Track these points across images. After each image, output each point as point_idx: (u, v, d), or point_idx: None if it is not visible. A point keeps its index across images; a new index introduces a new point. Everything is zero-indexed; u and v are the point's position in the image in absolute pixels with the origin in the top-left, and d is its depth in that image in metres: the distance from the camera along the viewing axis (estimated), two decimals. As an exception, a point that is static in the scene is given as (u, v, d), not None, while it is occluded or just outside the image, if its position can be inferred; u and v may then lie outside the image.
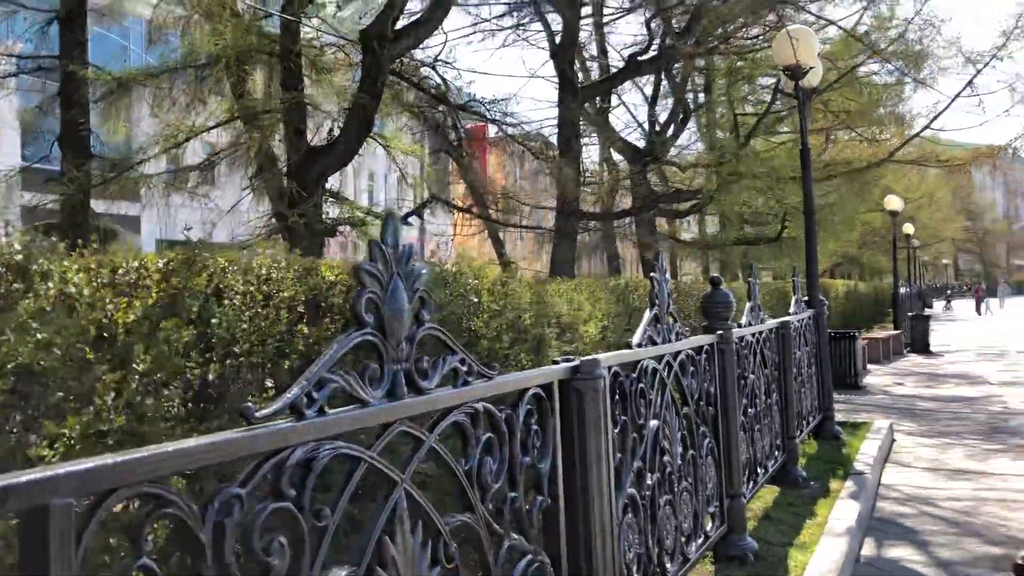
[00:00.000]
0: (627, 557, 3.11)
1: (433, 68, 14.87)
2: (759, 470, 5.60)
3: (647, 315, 3.61)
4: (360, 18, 12.15)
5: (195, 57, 10.71)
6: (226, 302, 2.72)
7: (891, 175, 26.25)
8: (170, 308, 2.71)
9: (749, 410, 5.39)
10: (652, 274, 3.75)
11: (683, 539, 3.81)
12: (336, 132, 9.30)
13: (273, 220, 10.16)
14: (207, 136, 12.59)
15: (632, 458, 3.23)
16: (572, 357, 2.82)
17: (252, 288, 2.96)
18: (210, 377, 2.83)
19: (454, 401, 2.11)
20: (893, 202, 26.08)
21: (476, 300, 4.21)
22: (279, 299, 2.87)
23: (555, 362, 2.79)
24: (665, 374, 3.70)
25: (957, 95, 14.87)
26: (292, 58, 9.43)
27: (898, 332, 21.96)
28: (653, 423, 3.49)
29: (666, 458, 3.64)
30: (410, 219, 11.74)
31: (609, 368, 3.00)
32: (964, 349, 21.28)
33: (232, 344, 2.86)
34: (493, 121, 13.34)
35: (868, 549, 5.34)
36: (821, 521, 5.47)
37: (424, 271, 1.99)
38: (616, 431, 3.07)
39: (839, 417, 9.14)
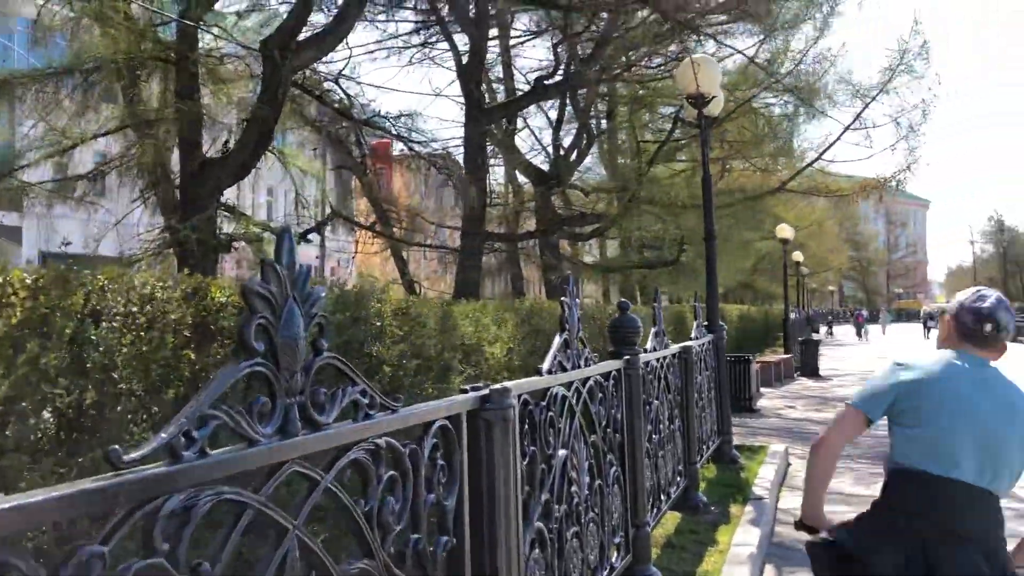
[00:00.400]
0: (534, 595, 2.97)
1: (336, 83, 14.59)
2: (662, 497, 5.56)
3: (557, 340, 3.50)
4: (262, 28, 11.79)
5: (84, 61, 10.17)
6: (104, 324, 2.46)
7: (782, 205, 27.26)
8: (39, 329, 2.44)
9: (654, 436, 5.35)
10: (563, 298, 3.65)
11: (589, 572, 3.69)
12: (233, 144, 8.94)
13: (166, 235, 9.69)
14: (100, 146, 11.98)
15: (540, 490, 3.09)
16: (480, 385, 2.68)
17: (134, 309, 2.71)
18: (85, 405, 2.57)
19: (354, 437, 1.93)
20: (784, 230, 27.03)
21: (379, 324, 4.03)
22: (164, 322, 2.63)
23: (464, 391, 2.64)
24: (574, 401, 3.59)
25: (847, 128, 15.52)
26: (189, 66, 9.03)
27: (788, 356, 22.68)
28: (562, 453, 3.37)
29: (574, 488, 3.52)
30: (309, 236, 11.39)
31: (519, 396, 2.87)
32: (851, 373, 22.13)
33: (111, 370, 2.61)
34: (398, 137, 13.15)
35: (769, 573, 5.36)
36: (723, 548, 5.46)
37: (323, 294, 1.82)
38: (525, 463, 2.94)
39: (736, 441, 9.28)
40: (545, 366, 3.32)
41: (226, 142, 9.60)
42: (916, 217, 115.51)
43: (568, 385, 3.53)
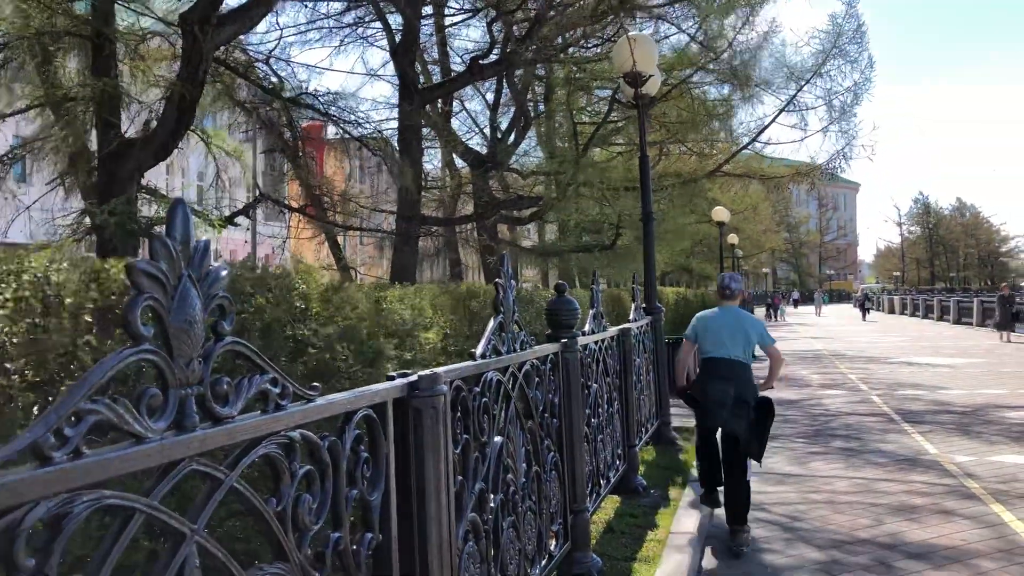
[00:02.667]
0: (468, 589, 2.83)
1: (267, 64, 14.15)
2: (602, 481, 5.48)
3: (491, 323, 3.35)
4: (181, 2, 11.31)
5: (-5, 37, 9.62)
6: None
7: (718, 188, 27.50)
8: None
9: (592, 420, 5.26)
10: (497, 280, 3.50)
11: (527, 563, 3.57)
12: (154, 124, 8.54)
13: (85, 219, 9.24)
14: (15, 128, 11.39)
15: (474, 480, 2.95)
16: (409, 372, 2.52)
17: (27, 293, 2.46)
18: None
19: (263, 430, 1.75)
20: (720, 213, 27.36)
21: (304, 307, 3.82)
22: (60, 306, 2.40)
23: (390, 377, 2.48)
24: (510, 386, 3.45)
25: (781, 109, 15.67)
26: (105, 43, 8.60)
27: (725, 337, 22.92)
28: (497, 440, 3.23)
29: (510, 476, 3.39)
30: (237, 220, 11.00)
31: (451, 382, 2.71)
32: (785, 352, 22.53)
33: (2, 360, 2.37)
34: (328, 116, 12.79)
35: (708, 560, 5.33)
36: (663, 533, 5.41)
37: (224, 273, 1.63)
38: (457, 451, 2.79)
39: (675, 423, 9.28)
40: (479, 350, 3.17)
41: (147, 122, 9.20)
42: (847, 200, 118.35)
43: (503, 370, 3.39)
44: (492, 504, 3.13)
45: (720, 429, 5.75)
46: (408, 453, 2.42)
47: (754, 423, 5.54)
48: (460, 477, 2.82)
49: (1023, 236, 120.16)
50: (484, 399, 3.09)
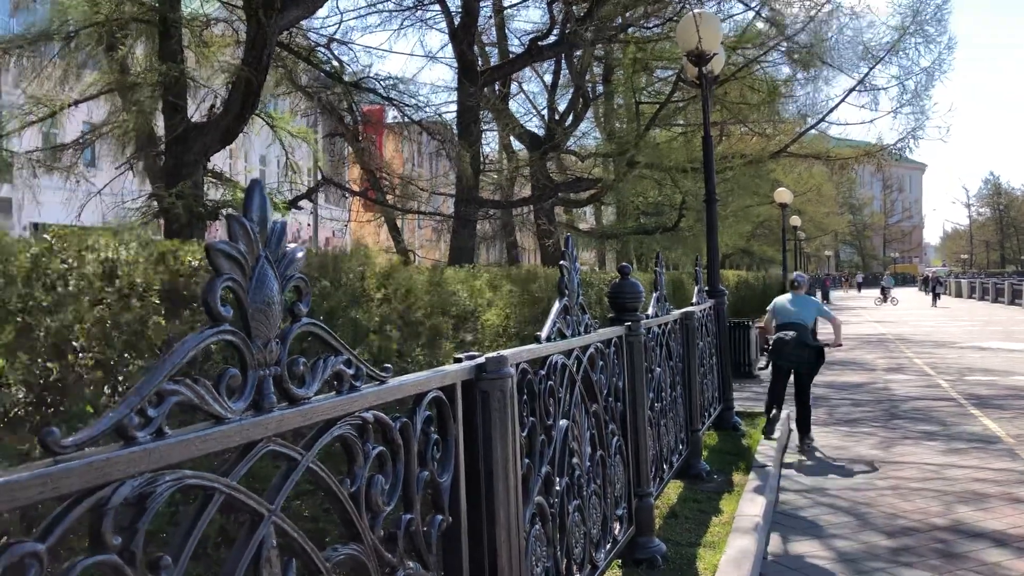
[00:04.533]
0: (535, 572, 2.82)
1: (328, 48, 14.27)
2: (665, 466, 5.43)
3: (556, 306, 3.32)
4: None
5: (65, 25, 9.86)
6: (59, 288, 2.26)
7: (781, 169, 26.97)
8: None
9: (656, 404, 5.20)
10: (561, 262, 3.46)
11: (592, 546, 3.55)
12: (219, 109, 8.68)
13: (153, 202, 9.45)
14: (86, 115, 11.69)
15: (541, 463, 2.93)
16: (476, 354, 2.50)
17: (92, 270, 2.50)
18: (50, 379, 2.39)
19: (338, 411, 1.75)
20: (784, 195, 26.83)
21: (364, 289, 3.84)
22: (127, 286, 2.44)
23: (457, 360, 2.46)
24: (574, 369, 3.42)
25: (851, 89, 15.22)
26: (171, 28, 8.76)
27: (787, 321, 22.54)
28: (562, 423, 3.21)
29: (575, 460, 3.37)
30: (300, 203, 11.15)
31: (517, 365, 2.69)
32: (848, 336, 22.03)
33: (67, 338, 2.41)
34: (389, 100, 12.85)
35: (774, 545, 5.24)
36: (727, 518, 5.33)
37: (300, 254, 1.63)
38: (524, 434, 2.77)
39: (737, 407, 9.16)
40: (544, 333, 3.14)
41: (212, 106, 9.34)
42: (912, 181, 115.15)
43: (568, 353, 3.36)
44: (558, 487, 3.11)
45: (789, 365, 8.27)
46: (476, 435, 2.41)
47: (812, 360, 8.24)
48: (527, 460, 2.80)
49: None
50: (550, 382, 3.06)
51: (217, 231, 10.44)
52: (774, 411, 8.27)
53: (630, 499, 4.28)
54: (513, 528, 2.51)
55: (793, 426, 9.24)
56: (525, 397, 2.83)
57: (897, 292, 54.20)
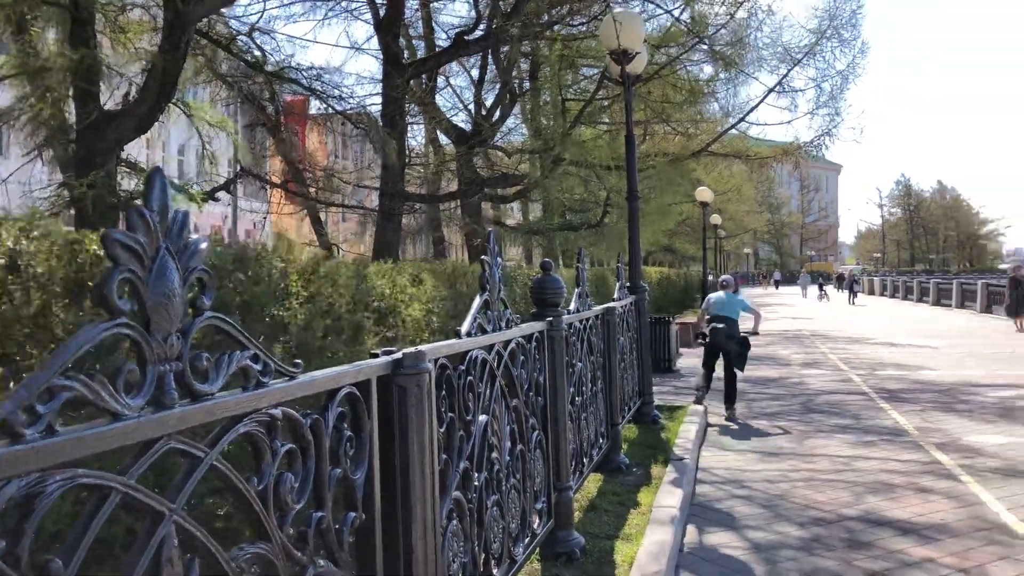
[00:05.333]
0: (451, 568, 2.81)
1: (250, 37, 13.95)
2: (585, 460, 5.48)
3: (477, 301, 3.31)
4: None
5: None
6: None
7: (702, 168, 27.53)
8: None
9: (577, 398, 5.24)
10: (483, 257, 3.45)
11: (510, 541, 3.56)
12: (134, 97, 8.39)
13: (64, 192, 9.08)
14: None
15: (459, 458, 2.92)
16: (393, 349, 2.48)
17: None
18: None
19: (244, 408, 1.71)
20: (705, 193, 27.38)
21: (284, 284, 3.76)
22: (28, 276, 2.33)
23: (374, 355, 2.44)
24: (495, 364, 3.42)
25: (771, 90, 15.59)
26: (83, 13, 8.42)
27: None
28: (482, 418, 3.20)
29: (494, 455, 3.37)
30: (218, 195, 10.87)
31: (435, 360, 2.68)
32: (766, 332, 22.62)
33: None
34: (311, 90, 12.63)
35: (690, 536, 5.35)
36: (645, 510, 5.42)
37: (203, 245, 1.58)
38: (442, 430, 2.75)
39: (656, 401, 9.31)
40: (464, 328, 3.13)
41: (127, 94, 9.04)
42: (828, 181, 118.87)
43: (488, 348, 3.36)
44: (477, 483, 3.11)
45: (718, 349, 10.06)
46: (392, 431, 2.39)
47: (738, 349, 9.95)
48: (444, 455, 2.79)
49: (1002, 219, 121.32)
50: (469, 377, 3.06)
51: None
52: (703, 385, 10.36)
53: (549, 493, 4.31)
54: (429, 524, 2.49)
55: (710, 418, 9.46)
56: (444, 392, 2.81)
57: (812, 290, 55.92)
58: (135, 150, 10.78)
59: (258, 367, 1.76)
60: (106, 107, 8.40)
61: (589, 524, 5.04)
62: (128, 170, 9.37)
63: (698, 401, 10.02)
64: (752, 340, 10.31)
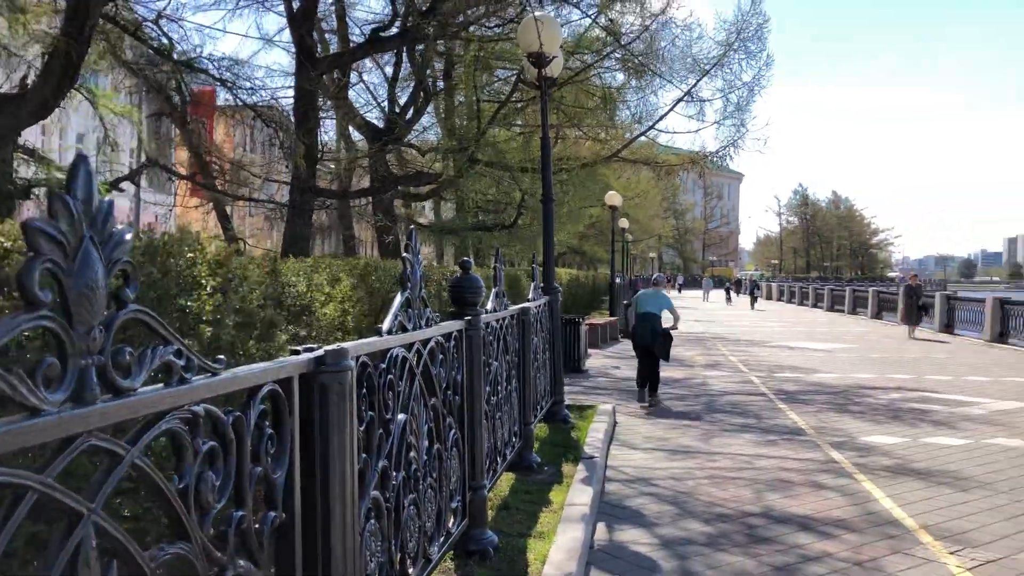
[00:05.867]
0: (369, 568, 2.79)
1: (156, 24, 13.50)
2: (499, 459, 5.51)
3: (398, 299, 3.30)
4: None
5: None
6: None
7: (612, 173, 27.99)
8: None
9: (492, 398, 5.27)
10: (404, 255, 3.44)
11: (426, 540, 3.55)
12: (33, 80, 8.02)
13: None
14: None
15: (378, 457, 2.90)
16: (315, 346, 2.45)
17: None
18: None
19: (166, 404, 1.66)
20: (614, 198, 27.84)
21: (194, 277, 3.66)
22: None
23: (295, 352, 2.40)
24: (415, 363, 3.41)
25: (680, 99, 15.97)
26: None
27: (614, 318, 23.49)
28: (401, 417, 3.19)
29: (412, 454, 3.36)
30: (122, 185, 10.47)
31: (357, 358, 2.65)
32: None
33: None
34: (220, 80, 12.31)
35: (601, 534, 5.44)
36: (557, 508, 5.49)
37: (128, 236, 1.53)
38: (362, 429, 2.73)
39: (567, 401, 9.43)
40: (385, 326, 3.11)
41: (24, 77, 8.64)
42: (731, 189, 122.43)
43: (409, 346, 3.35)
44: (395, 482, 3.10)
45: (646, 346, 10.94)
46: (313, 430, 2.35)
47: (661, 341, 10.91)
48: (364, 455, 2.77)
49: (891, 229, 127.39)
50: (390, 375, 3.04)
51: (28, 211, 9.63)
52: (645, 386, 11.01)
53: (465, 492, 4.32)
54: (348, 524, 2.47)
55: (619, 417, 9.64)
56: (365, 391, 2.79)
57: (713, 294, 57.53)
58: (31, 137, 10.30)
59: (181, 363, 1.72)
60: (2, 90, 8.02)
61: (502, 522, 5.08)
62: (26, 157, 8.94)
63: (640, 396, 10.92)
64: (659, 341, 10.95)
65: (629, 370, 14.78)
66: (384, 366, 2.99)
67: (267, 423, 2.10)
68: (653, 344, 10.77)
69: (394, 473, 3.10)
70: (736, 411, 10.47)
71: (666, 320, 11.12)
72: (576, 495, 5.77)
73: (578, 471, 6.52)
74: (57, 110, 8.34)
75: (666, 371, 14.27)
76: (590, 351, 17.17)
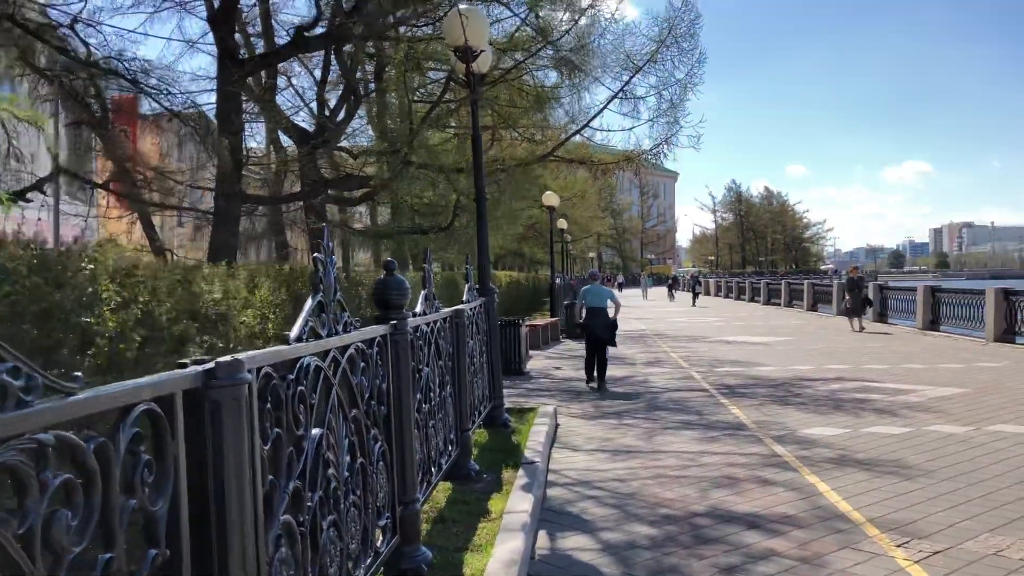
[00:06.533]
0: (282, 600, 2.52)
1: (72, 29, 12.92)
2: (433, 469, 5.26)
3: (309, 303, 3.03)
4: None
5: None
6: None
7: (549, 174, 27.92)
8: None
9: (424, 406, 5.02)
10: (315, 255, 3.17)
11: (350, 563, 3.29)
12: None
13: None
14: None
15: (288, 478, 2.63)
16: (206, 358, 2.18)
17: None
18: None
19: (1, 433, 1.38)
20: (551, 198, 27.79)
21: (95, 290, 3.35)
22: None
23: (182, 365, 2.13)
24: (331, 372, 3.15)
25: (614, 95, 15.87)
26: None
27: (555, 319, 23.39)
28: (315, 432, 2.92)
29: (331, 471, 3.09)
30: (30, 196, 9.91)
31: (258, 370, 2.39)
32: (612, 334, 23.14)
33: None
34: (136, 84, 11.80)
35: (543, 542, 5.23)
36: (496, 517, 5.26)
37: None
38: (267, 448, 2.46)
39: (507, 404, 9.22)
40: (294, 333, 2.84)
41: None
42: (666, 188, 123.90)
43: (323, 354, 3.08)
44: (310, 503, 2.83)
45: (597, 337, 12.26)
46: (204, 452, 2.08)
47: (610, 332, 12.32)
48: (271, 476, 2.50)
49: (823, 222, 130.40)
50: (300, 387, 2.77)
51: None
52: (593, 377, 12.49)
53: (394, 507, 4.06)
54: (251, 555, 2.20)
55: (560, 419, 9.47)
56: (269, 405, 2.52)
57: (652, 291, 58.04)
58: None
59: (19, 383, 1.44)
60: None
61: (438, 536, 4.83)
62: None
63: (590, 382, 12.49)
64: None
65: (571, 370, 14.67)
66: (293, 377, 2.73)
67: (144, 448, 1.83)
68: (604, 332, 12.22)
69: (309, 494, 2.83)
70: (678, 408, 10.39)
71: (611, 310, 12.62)
72: (516, 503, 5.55)
73: (518, 477, 6.30)
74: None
75: (608, 370, 14.23)
76: (531, 352, 17.01)
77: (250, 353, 2.35)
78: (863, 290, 23.73)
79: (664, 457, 7.61)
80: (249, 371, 2.26)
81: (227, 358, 2.17)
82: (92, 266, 3.41)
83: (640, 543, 5.18)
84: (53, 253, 3.32)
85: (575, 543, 5.21)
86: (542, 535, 5.35)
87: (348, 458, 3.35)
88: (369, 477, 3.62)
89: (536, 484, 6.14)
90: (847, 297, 23.48)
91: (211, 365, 2.13)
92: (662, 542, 5.18)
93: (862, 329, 22.42)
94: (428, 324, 5.34)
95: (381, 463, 3.87)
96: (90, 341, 3.30)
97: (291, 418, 2.68)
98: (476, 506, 5.52)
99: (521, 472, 6.44)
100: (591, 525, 5.57)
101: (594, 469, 7.20)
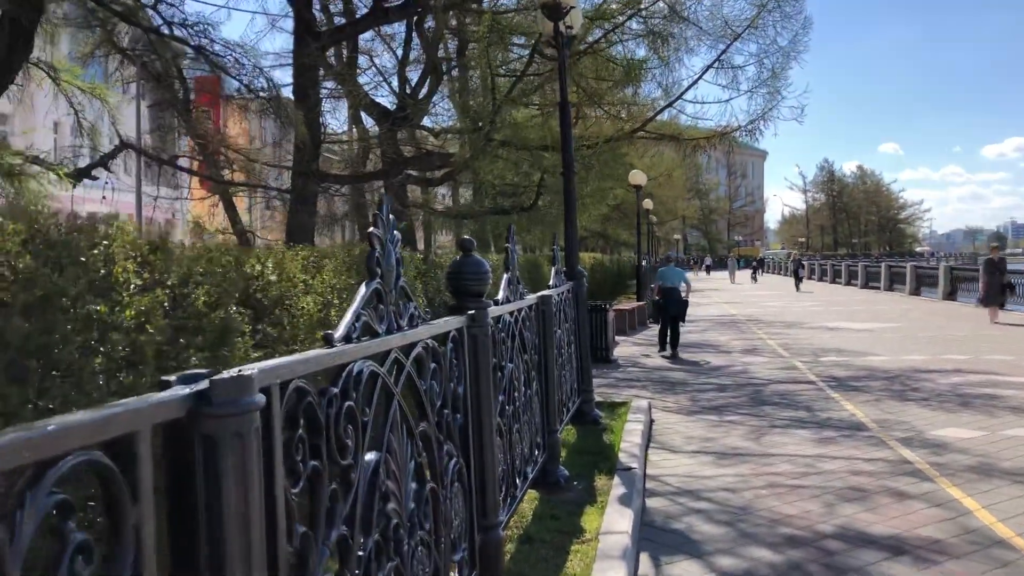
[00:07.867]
0: None
1: (155, 8, 12.67)
2: (518, 481, 4.56)
3: (361, 291, 2.36)
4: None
5: None
6: None
7: (634, 153, 26.90)
8: None
9: (507, 408, 4.32)
10: (373, 230, 2.49)
11: (418, 616, 2.62)
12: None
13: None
14: None
15: (329, 526, 1.97)
16: (201, 372, 1.51)
17: None
18: None
19: None
20: (638, 176, 26.77)
21: (105, 272, 2.75)
22: None
23: (165, 383, 1.47)
24: (391, 380, 2.47)
25: (709, 65, 14.82)
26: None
27: (642, 303, 22.46)
28: (370, 457, 2.26)
29: (391, 506, 2.42)
30: (94, 172, 9.59)
31: (284, 384, 1.72)
32: (701, 318, 22.12)
33: None
34: (207, 58, 11.40)
35: (645, 567, 4.49)
36: (591, 537, 4.54)
37: None
38: (296, 490, 1.80)
39: (596, 397, 8.46)
40: (340, 331, 2.17)
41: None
42: (755, 167, 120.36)
43: (381, 357, 2.41)
44: (361, 552, 2.17)
45: (670, 313, 14.27)
46: (192, 515, 1.43)
47: (681, 308, 14.42)
48: (304, 528, 1.84)
49: (920, 203, 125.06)
50: (348, 402, 2.10)
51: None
52: (666, 346, 14.34)
53: (472, 535, 3.38)
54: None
55: (655, 414, 8.71)
56: (302, 431, 1.86)
57: (739, 274, 56.17)
58: None
59: None
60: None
61: (523, 562, 4.14)
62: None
63: (662, 349, 14.37)
64: (688, 326, 15.33)
65: (662, 359, 13.82)
66: (338, 390, 2.05)
67: (70, 524, 1.17)
68: (677, 308, 14.32)
69: (361, 539, 2.17)
70: (785, 402, 9.46)
71: (683, 291, 14.61)
72: (613, 519, 4.81)
73: (614, 485, 5.56)
74: (21, 89, 7.50)
75: (700, 356, 13.38)
76: (618, 339, 16.20)
77: (266, 364, 1.68)
78: (1004, 274, 19.91)
79: (776, 462, 6.75)
80: (267, 388, 1.59)
81: (228, 374, 1.49)
82: (105, 243, 2.82)
83: (761, 572, 4.39)
84: (52, 228, 2.73)
85: (684, 570, 4.45)
86: (644, 559, 4.61)
87: (414, 484, 2.67)
88: (441, 504, 2.94)
89: (634, 494, 5.40)
90: (984, 282, 19.84)
91: (205, 384, 1.46)
92: (789, 573, 4.38)
93: (997, 321, 18.80)
94: (512, 313, 4.64)
95: (456, 484, 3.19)
96: (103, 335, 2.71)
97: (334, 444, 2.01)
98: (567, 522, 4.81)
99: (617, 480, 5.69)
100: (700, 547, 4.79)
101: (698, 475, 6.40)
